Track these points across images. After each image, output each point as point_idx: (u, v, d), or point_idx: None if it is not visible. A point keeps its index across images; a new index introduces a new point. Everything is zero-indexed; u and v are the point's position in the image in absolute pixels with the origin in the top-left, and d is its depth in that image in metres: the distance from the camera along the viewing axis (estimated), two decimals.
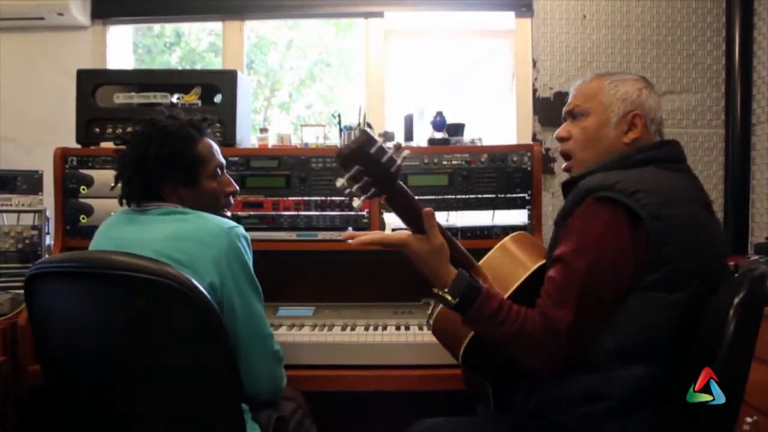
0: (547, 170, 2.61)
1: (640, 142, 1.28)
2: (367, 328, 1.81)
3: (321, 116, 3.41)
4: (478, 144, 2.11)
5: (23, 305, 1.80)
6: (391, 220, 2.00)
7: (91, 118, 2.02)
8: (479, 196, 1.95)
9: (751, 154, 2.54)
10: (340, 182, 1.05)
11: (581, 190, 1.18)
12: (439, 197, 1.94)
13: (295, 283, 2.09)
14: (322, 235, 1.94)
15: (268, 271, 2.06)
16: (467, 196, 1.95)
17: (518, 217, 1.99)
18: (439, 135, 2.10)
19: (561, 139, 1.37)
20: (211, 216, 1.37)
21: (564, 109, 1.39)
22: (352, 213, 1.96)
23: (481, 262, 1.29)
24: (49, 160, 1.96)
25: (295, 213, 1.96)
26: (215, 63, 3.34)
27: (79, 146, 2.02)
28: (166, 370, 1.14)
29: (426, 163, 1.95)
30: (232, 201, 1.57)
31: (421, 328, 1.79)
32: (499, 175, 1.95)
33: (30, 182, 2.15)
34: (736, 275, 1.13)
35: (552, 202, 2.62)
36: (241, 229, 1.36)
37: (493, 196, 1.96)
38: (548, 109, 2.63)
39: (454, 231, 1.91)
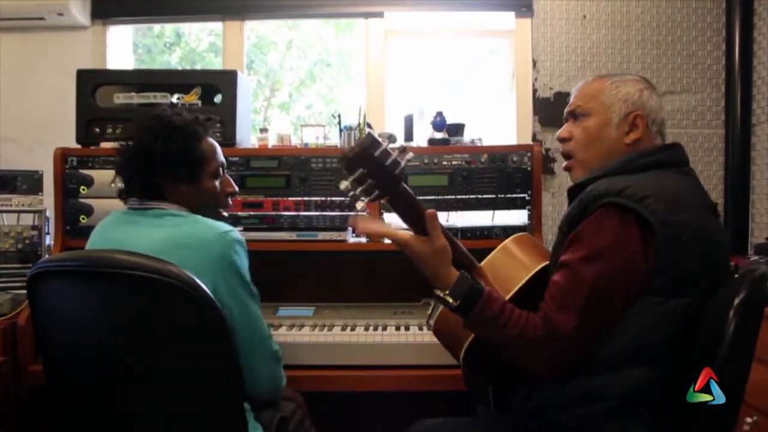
0: (547, 170, 2.61)
1: (641, 143, 1.28)
2: (367, 329, 1.80)
3: (321, 116, 3.42)
4: (478, 144, 2.11)
5: (23, 305, 1.80)
6: (391, 220, 2.00)
7: (91, 118, 2.02)
8: (479, 196, 1.95)
9: (751, 154, 2.54)
10: (344, 185, 1.06)
11: (588, 195, 1.18)
12: (439, 197, 1.94)
13: (295, 283, 2.09)
14: (322, 235, 1.94)
15: (268, 271, 2.06)
16: (467, 197, 1.95)
17: (518, 217, 2.00)
18: (439, 135, 2.10)
19: (562, 140, 1.37)
20: (206, 220, 1.36)
21: (565, 110, 1.39)
22: (353, 213, 1.95)
23: (482, 264, 1.29)
24: (49, 160, 1.96)
25: (295, 213, 1.96)
26: (215, 63, 3.34)
27: (79, 146, 2.03)
28: (167, 370, 1.14)
29: (426, 164, 1.95)
30: (231, 202, 1.57)
31: (421, 329, 1.78)
32: (499, 176, 1.95)
33: (30, 182, 2.15)
34: (736, 276, 1.13)
35: (552, 202, 2.62)
36: (235, 233, 1.35)
37: (493, 196, 1.96)
38: (548, 110, 2.63)
39: (454, 231, 1.90)
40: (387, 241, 1.96)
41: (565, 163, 1.39)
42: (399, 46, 2.90)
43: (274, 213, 1.96)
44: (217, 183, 1.48)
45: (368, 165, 1.04)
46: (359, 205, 1.06)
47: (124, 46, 2.91)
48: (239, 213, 1.96)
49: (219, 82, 2.06)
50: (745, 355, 1.12)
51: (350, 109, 2.61)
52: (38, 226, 2.11)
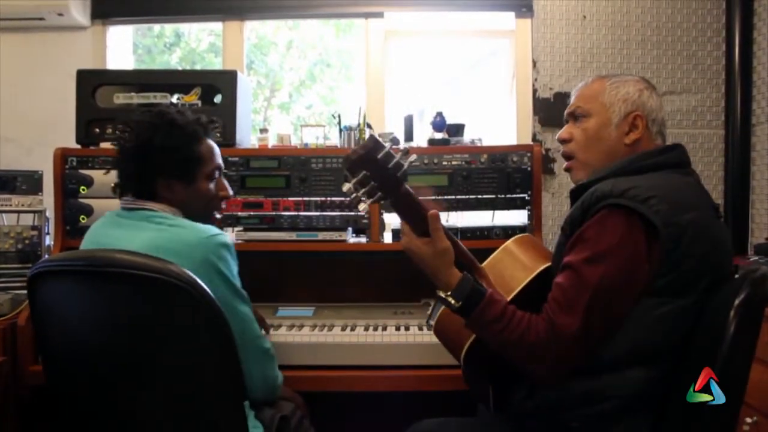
0: (547, 170, 2.61)
1: (641, 143, 1.29)
2: (367, 329, 1.80)
3: (321, 117, 3.42)
4: (478, 144, 2.11)
5: (23, 305, 1.80)
6: (391, 220, 2.00)
7: (91, 118, 2.02)
8: (479, 196, 1.95)
9: (751, 154, 2.54)
10: (346, 186, 1.06)
11: (591, 196, 1.17)
12: (439, 197, 1.94)
13: (295, 283, 2.09)
14: (322, 235, 1.94)
15: (268, 271, 2.08)
16: (467, 197, 1.95)
17: (518, 217, 2.00)
18: (439, 135, 2.10)
19: (563, 141, 1.37)
20: (192, 224, 1.36)
21: (566, 111, 1.39)
22: (352, 213, 1.95)
23: (484, 264, 1.29)
24: (49, 161, 1.96)
25: (295, 213, 1.96)
26: (215, 63, 3.34)
27: (79, 146, 2.03)
28: (168, 368, 1.14)
29: (426, 164, 1.95)
30: (224, 206, 1.56)
31: (421, 329, 1.78)
32: (499, 176, 1.95)
33: (30, 182, 2.15)
34: (737, 276, 1.13)
35: (552, 203, 2.62)
36: (221, 237, 1.34)
37: (493, 196, 1.96)
38: (548, 110, 2.63)
39: (454, 231, 1.89)
40: (387, 240, 1.97)
41: (565, 164, 1.39)
42: (399, 46, 2.90)
43: (274, 213, 1.96)
44: (211, 185, 1.47)
45: (371, 167, 1.05)
46: (361, 206, 1.07)
47: (124, 47, 2.91)
48: (239, 213, 1.96)
49: (219, 83, 2.06)
50: (745, 356, 1.12)
51: (350, 110, 2.61)
52: (38, 226, 2.11)
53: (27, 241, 2.07)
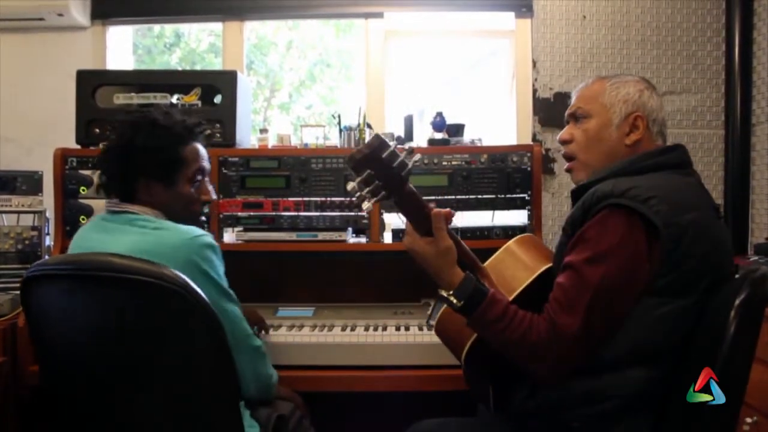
0: (547, 170, 2.61)
1: (642, 143, 1.29)
2: (367, 329, 1.80)
3: (321, 117, 3.41)
4: (478, 144, 2.11)
5: None
6: (391, 220, 2.00)
7: (91, 118, 2.02)
8: (479, 196, 1.95)
9: (751, 154, 2.54)
10: (350, 185, 1.07)
11: (592, 196, 1.18)
12: (439, 198, 1.94)
13: (295, 283, 2.09)
14: (322, 235, 1.94)
15: (268, 272, 2.08)
16: (467, 197, 1.95)
17: (518, 217, 2.00)
18: (439, 135, 2.10)
19: (563, 142, 1.38)
20: (175, 226, 1.35)
21: (566, 112, 1.39)
22: (352, 213, 1.96)
23: (485, 264, 1.29)
24: (49, 161, 1.96)
25: (295, 213, 1.96)
26: (215, 64, 3.34)
27: (78, 147, 2.02)
28: (165, 371, 1.14)
29: (426, 164, 1.95)
30: (206, 209, 1.54)
31: (421, 329, 1.78)
32: (499, 176, 1.95)
33: (30, 183, 2.15)
34: (737, 276, 1.13)
35: (552, 203, 2.62)
36: (206, 238, 1.33)
37: (493, 196, 1.96)
38: (548, 110, 2.63)
39: (454, 231, 1.90)
40: (387, 240, 1.97)
41: (566, 165, 1.40)
42: (399, 46, 2.90)
43: (274, 213, 1.96)
44: (193, 189, 1.46)
45: (375, 166, 1.05)
46: (365, 205, 1.07)
47: (124, 47, 2.91)
48: (239, 213, 1.95)
49: (219, 83, 2.06)
50: (745, 356, 1.12)
51: (350, 110, 2.61)
52: (38, 226, 2.11)
53: (27, 242, 2.07)
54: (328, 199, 1.96)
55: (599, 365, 1.14)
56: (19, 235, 2.07)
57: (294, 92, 3.58)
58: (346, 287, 2.07)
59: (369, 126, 2.17)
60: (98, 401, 1.18)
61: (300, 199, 1.96)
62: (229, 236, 1.99)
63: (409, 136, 2.21)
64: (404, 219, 1.20)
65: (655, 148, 1.29)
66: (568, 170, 1.39)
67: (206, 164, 1.49)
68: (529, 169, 1.95)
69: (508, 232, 1.92)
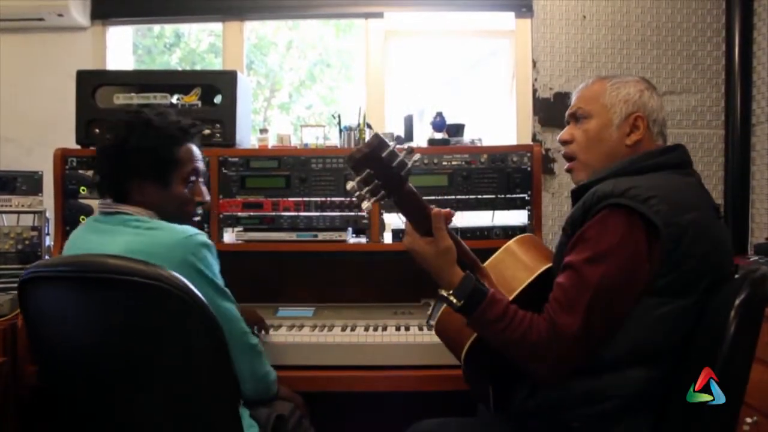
0: (547, 170, 2.61)
1: (642, 143, 1.29)
2: (367, 329, 1.80)
3: (321, 117, 3.41)
4: (478, 144, 2.11)
5: None
6: (391, 220, 2.00)
7: (91, 118, 2.02)
8: (479, 196, 1.95)
9: (751, 154, 2.54)
10: (350, 185, 1.07)
11: (592, 196, 1.18)
12: (439, 198, 1.94)
13: (295, 283, 2.09)
14: (322, 235, 1.94)
15: (268, 272, 2.08)
16: (467, 197, 1.95)
17: (518, 217, 2.00)
18: (439, 135, 2.10)
19: (564, 142, 1.38)
20: (169, 225, 1.35)
21: (567, 112, 1.39)
22: (352, 213, 1.96)
23: (485, 264, 1.29)
24: (49, 161, 1.96)
25: (295, 213, 1.96)
26: (215, 64, 3.34)
27: (78, 147, 2.02)
28: (163, 371, 1.14)
29: (426, 164, 1.95)
30: (200, 211, 1.53)
31: (421, 329, 1.78)
32: (499, 176, 1.95)
33: (30, 183, 2.15)
34: (737, 276, 1.13)
35: (552, 203, 2.62)
36: (200, 237, 1.32)
37: (493, 196, 1.96)
38: (548, 110, 2.63)
39: (454, 231, 1.90)
40: (387, 240, 1.97)
41: (567, 165, 1.40)
42: (399, 46, 2.90)
43: (274, 213, 1.96)
44: (186, 189, 1.45)
45: (375, 165, 1.05)
46: (365, 204, 1.07)
47: (124, 47, 2.91)
48: (239, 213, 1.95)
49: (219, 83, 2.06)
50: (745, 356, 1.12)
51: (350, 110, 2.61)
52: (38, 226, 2.10)
53: (27, 242, 2.07)
54: (328, 199, 1.96)
55: (599, 365, 1.14)
56: (19, 236, 2.07)
57: (294, 92, 3.58)
58: (346, 287, 2.07)
59: (369, 126, 2.17)
60: (98, 401, 1.18)
61: (300, 199, 1.96)
62: (229, 236, 1.99)
63: (409, 136, 2.21)
64: (404, 219, 1.20)
65: (656, 148, 1.29)
66: (569, 170, 1.39)
67: (201, 165, 1.49)
68: (529, 169, 1.95)
69: (508, 232, 1.92)
